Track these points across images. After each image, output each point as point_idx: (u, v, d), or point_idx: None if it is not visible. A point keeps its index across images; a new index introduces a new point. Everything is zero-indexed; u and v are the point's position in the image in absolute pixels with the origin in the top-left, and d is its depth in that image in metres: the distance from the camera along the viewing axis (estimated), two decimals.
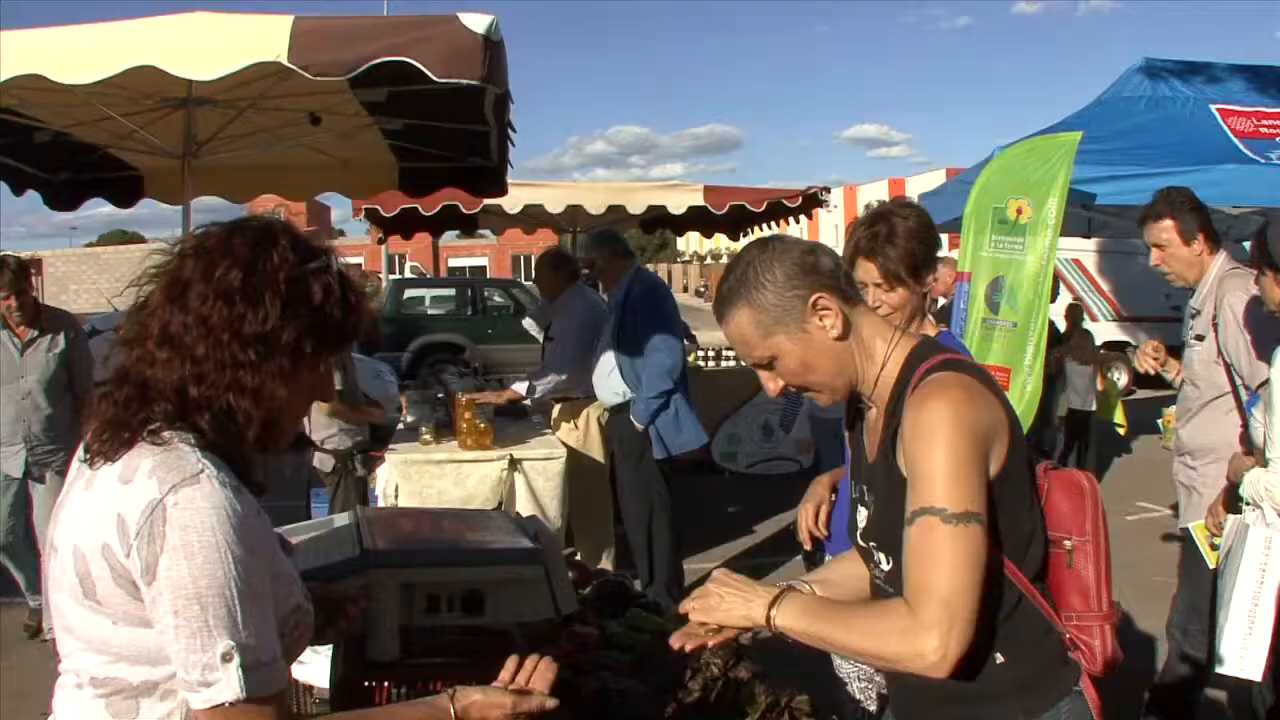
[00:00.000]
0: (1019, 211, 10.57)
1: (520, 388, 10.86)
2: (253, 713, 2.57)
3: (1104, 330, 27.15)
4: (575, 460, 10.19)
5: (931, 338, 3.70)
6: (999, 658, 3.29)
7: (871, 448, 3.54)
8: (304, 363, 2.81)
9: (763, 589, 3.42)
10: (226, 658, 2.50)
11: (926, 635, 2.98)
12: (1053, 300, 13.02)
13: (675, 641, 3.58)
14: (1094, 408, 16.55)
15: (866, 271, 4.86)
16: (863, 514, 3.57)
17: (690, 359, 17.85)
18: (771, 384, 3.45)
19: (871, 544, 3.52)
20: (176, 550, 2.49)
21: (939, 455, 3.08)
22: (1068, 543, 3.47)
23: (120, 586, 2.57)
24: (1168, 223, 7.09)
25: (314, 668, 4.28)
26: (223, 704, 2.52)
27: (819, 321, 3.31)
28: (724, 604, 3.44)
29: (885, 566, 3.45)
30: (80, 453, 2.82)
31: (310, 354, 2.81)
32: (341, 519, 4.58)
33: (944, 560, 3.02)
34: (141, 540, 2.51)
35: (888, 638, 3.06)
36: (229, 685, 2.51)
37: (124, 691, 2.68)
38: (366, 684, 3.75)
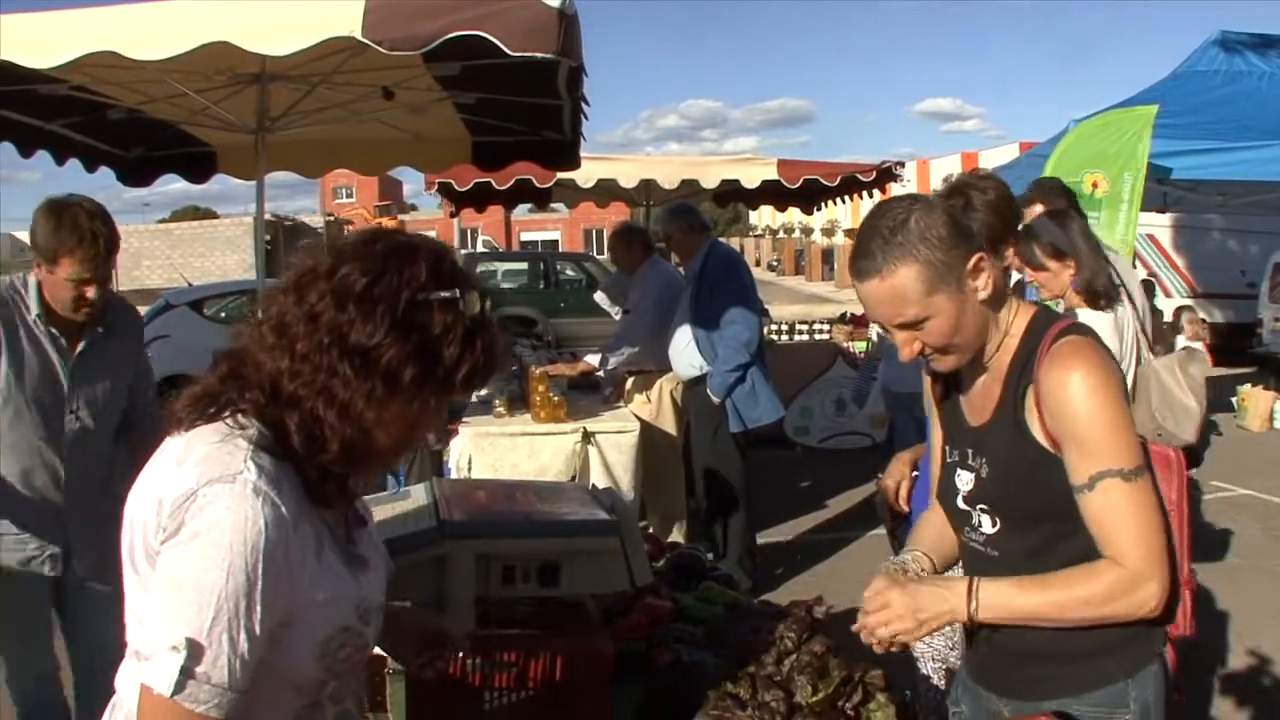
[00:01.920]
0: (1095, 185, 10.52)
1: (593, 360, 10.88)
2: (175, 717, 2.45)
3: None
4: (648, 433, 10.19)
5: (1044, 305, 3.70)
6: None
7: (981, 410, 3.60)
8: (401, 392, 2.65)
9: (941, 583, 3.51)
10: (174, 649, 2.41)
11: (1146, 585, 3.23)
12: None
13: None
14: None
15: None
16: (966, 477, 3.62)
17: (764, 333, 17.91)
18: (908, 347, 3.43)
19: (979, 506, 3.58)
20: (185, 539, 2.46)
21: (1103, 415, 3.25)
22: None
23: (150, 563, 2.55)
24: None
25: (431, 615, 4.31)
26: (150, 689, 2.44)
27: (974, 282, 3.34)
28: (913, 616, 3.40)
29: (988, 530, 3.57)
30: None
31: (409, 384, 2.64)
32: (418, 490, 4.58)
33: (1137, 516, 3.24)
34: (170, 522, 2.48)
35: (1111, 599, 3.25)
36: (160, 674, 2.42)
37: None
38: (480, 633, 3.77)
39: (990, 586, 3.35)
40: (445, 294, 2.67)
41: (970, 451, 3.61)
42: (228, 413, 2.64)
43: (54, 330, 5.67)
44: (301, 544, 2.63)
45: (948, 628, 4.94)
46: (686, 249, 10.72)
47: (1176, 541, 3.58)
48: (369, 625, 2.89)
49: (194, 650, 2.41)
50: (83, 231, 5.39)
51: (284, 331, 2.64)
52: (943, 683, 5.23)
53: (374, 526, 3.13)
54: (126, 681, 2.74)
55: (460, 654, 3.57)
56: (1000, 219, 4.76)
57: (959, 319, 3.35)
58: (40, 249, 5.48)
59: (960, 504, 3.66)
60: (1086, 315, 5.78)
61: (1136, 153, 10.10)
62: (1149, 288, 18.74)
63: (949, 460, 3.74)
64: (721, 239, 12.38)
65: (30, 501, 5.64)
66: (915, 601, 3.39)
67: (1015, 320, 3.51)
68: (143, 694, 2.47)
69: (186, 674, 2.41)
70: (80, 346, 5.76)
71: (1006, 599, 3.33)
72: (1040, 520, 3.43)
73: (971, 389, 3.64)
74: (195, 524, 2.45)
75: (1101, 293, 6.03)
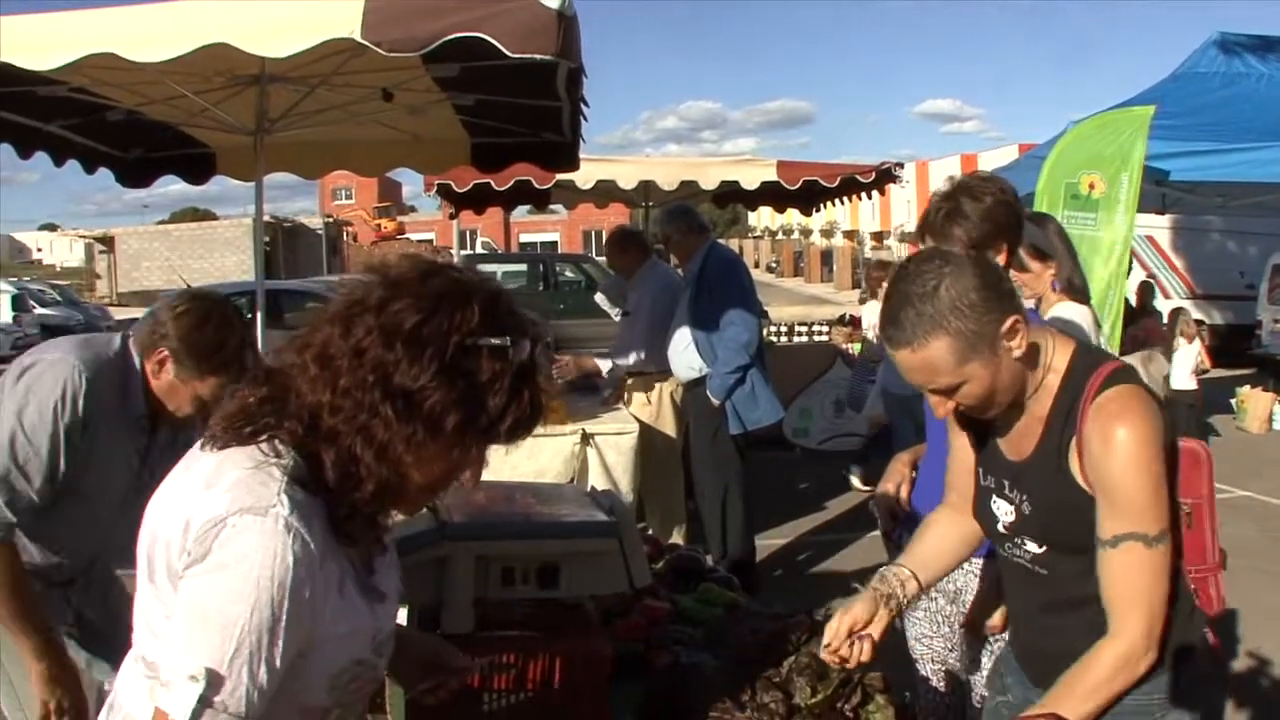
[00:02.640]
0: (1091, 186, 10.53)
1: (603, 365, 10.87)
2: None
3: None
4: (647, 435, 10.20)
5: (1080, 339, 3.71)
6: None
7: (1019, 446, 3.62)
8: (442, 439, 2.57)
9: None
10: (193, 679, 2.37)
11: (1144, 659, 3.32)
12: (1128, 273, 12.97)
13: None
14: (1163, 391, 16.36)
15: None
16: (1006, 508, 3.66)
17: (763, 335, 17.91)
18: (943, 408, 3.46)
19: (1023, 536, 3.62)
20: (211, 568, 2.43)
21: (1141, 479, 3.27)
22: (1187, 505, 3.68)
23: (170, 582, 2.52)
24: None
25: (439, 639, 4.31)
26: (165, 714, 2.40)
27: (1009, 343, 3.33)
28: None
29: (1035, 549, 3.60)
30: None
31: (451, 432, 2.56)
32: None
33: (1149, 582, 3.31)
34: (195, 548, 2.45)
35: (1113, 681, 3.31)
36: (177, 701, 2.38)
37: None
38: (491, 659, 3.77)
39: None
40: (496, 341, 2.59)
41: (1008, 484, 3.64)
42: (264, 437, 2.59)
43: (144, 426, 4.98)
44: (326, 580, 2.60)
45: (946, 628, 4.96)
46: (685, 250, 10.70)
47: (1209, 532, 3.84)
48: (381, 657, 2.89)
49: (213, 680, 2.39)
50: (244, 359, 4.74)
51: (327, 364, 2.57)
52: (942, 684, 5.24)
53: (393, 549, 3.06)
54: (127, 684, 2.73)
55: (461, 683, 3.51)
56: (994, 225, 4.70)
57: (994, 382, 3.36)
58: (190, 358, 4.72)
59: (1001, 529, 3.70)
60: (1069, 308, 5.80)
61: (1133, 153, 10.11)
62: (1149, 289, 18.77)
63: (984, 484, 3.77)
64: (720, 240, 12.39)
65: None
66: None
67: (1054, 358, 3.52)
68: (157, 718, 2.45)
69: (204, 703, 2.39)
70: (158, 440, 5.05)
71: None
72: (1087, 549, 3.44)
73: (1010, 423, 3.64)
74: (223, 554, 2.43)
75: (1080, 288, 6.08)
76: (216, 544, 2.42)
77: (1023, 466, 3.58)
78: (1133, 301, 17.26)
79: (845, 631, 3.65)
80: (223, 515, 2.44)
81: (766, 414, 10.25)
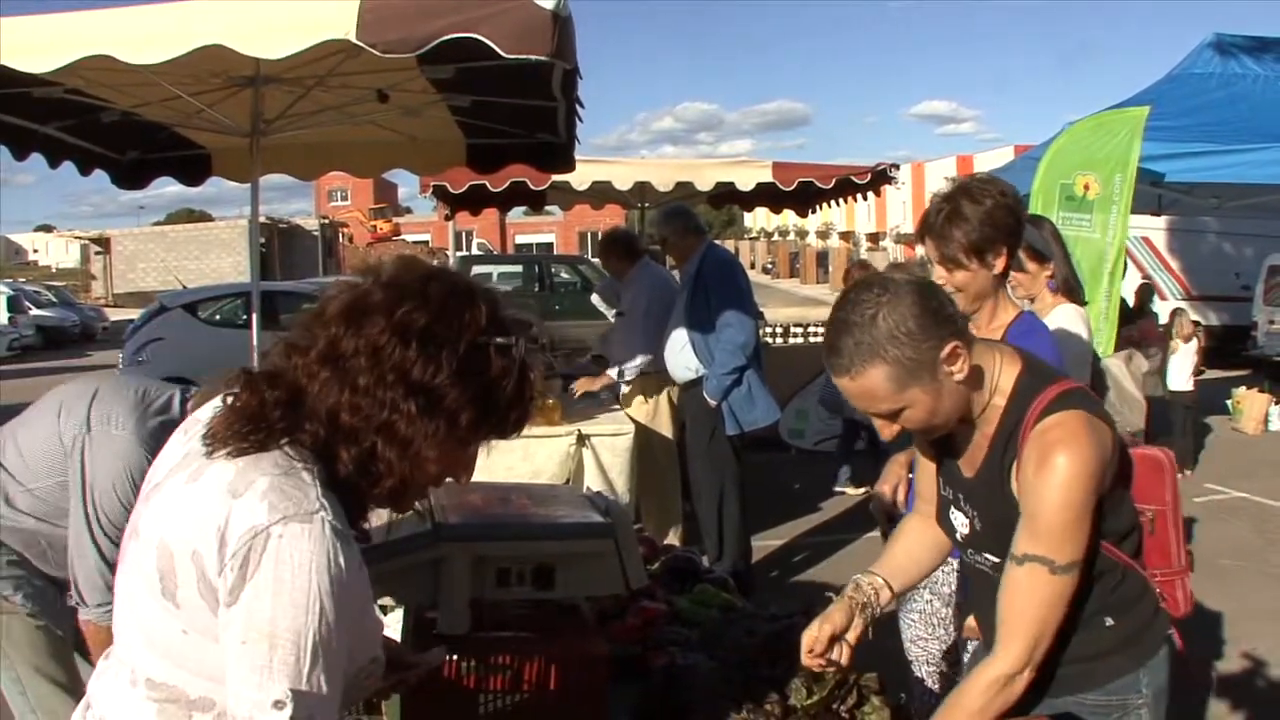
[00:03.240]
0: (1086, 187, 10.53)
1: (612, 373, 10.85)
2: None
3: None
4: (644, 435, 10.21)
5: (1032, 356, 3.70)
6: (1108, 621, 3.57)
7: (971, 461, 3.65)
8: (456, 434, 2.68)
9: None
10: (279, 705, 2.38)
11: (1019, 680, 3.37)
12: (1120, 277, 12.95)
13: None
14: (1160, 391, 16.36)
15: (930, 250, 4.78)
16: (961, 520, 3.71)
17: (759, 336, 17.92)
18: (888, 431, 3.46)
19: (978, 548, 3.70)
20: (266, 583, 2.40)
21: (1063, 509, 3.30)
22: (1149, 512, 3.80)
23: (204, 599, 2.49)
24: None
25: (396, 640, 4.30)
26: None
27: (948, 368, 3.33)
28: None
29: (994, 559, 3.62)
30: (191, 437, 2.74)
31: (464, 427, 2.68)
32: None
33: (1042, 608, 3.35)
34: (236, 561, 2.41)
35: (990, 704, 3.37)
36: None
37: (180, 702, 2.59)
38: (450, 655, 3.77)
39: None
40: (502, 340, 2.70)
41: (962, 498, 3.70)
42: (279, 441, 2.58)
43: None
44: (362, 580, 2.65)
45: (941, 630, 4.98)
46: (681, 252, 10.68)
47: (1173, 536, 3.94)
48: (384, 654, 2.93)
49: (299, 700, 2.40)
50: None
51: (339, 364, 2.60)
52: (937, 685, 5.25)
53: None
54: (114, 705, 2.71)
55: (417, 679, 3.53)
56: (993, 228, 4.68)
57: (935, 405, 3.38)
58: None
59: (959, 539, 3.76)
60: (1067, 310, 5.79)
61: (1128, 154, 10.11)
62: (1147, 291, 18.77)
63: (943, 494, 3.81)
64: (716, 241, 12.38)
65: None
66: None
67: (1001, 377, 3.54)
68: None
69: None
70: None
71: None
72: None
73: (959, 440, 3.68)
74: (274, 568, 2.41)
75: (1075, 289, 6.09)
76: (266, 557, 2.41)
77: (973, 483, 3.64)
78: (1130, 303, 17.27)
79: (826, 638, 3.69)
80: (265, 525, 2.43)
81: (763, 415, 10.24)
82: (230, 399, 2.65)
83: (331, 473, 2.60)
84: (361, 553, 2.71)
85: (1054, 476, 3.26)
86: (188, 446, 2.72)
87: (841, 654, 3.71)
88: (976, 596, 3.92)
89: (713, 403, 10.07)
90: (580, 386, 10.56)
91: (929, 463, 3.94)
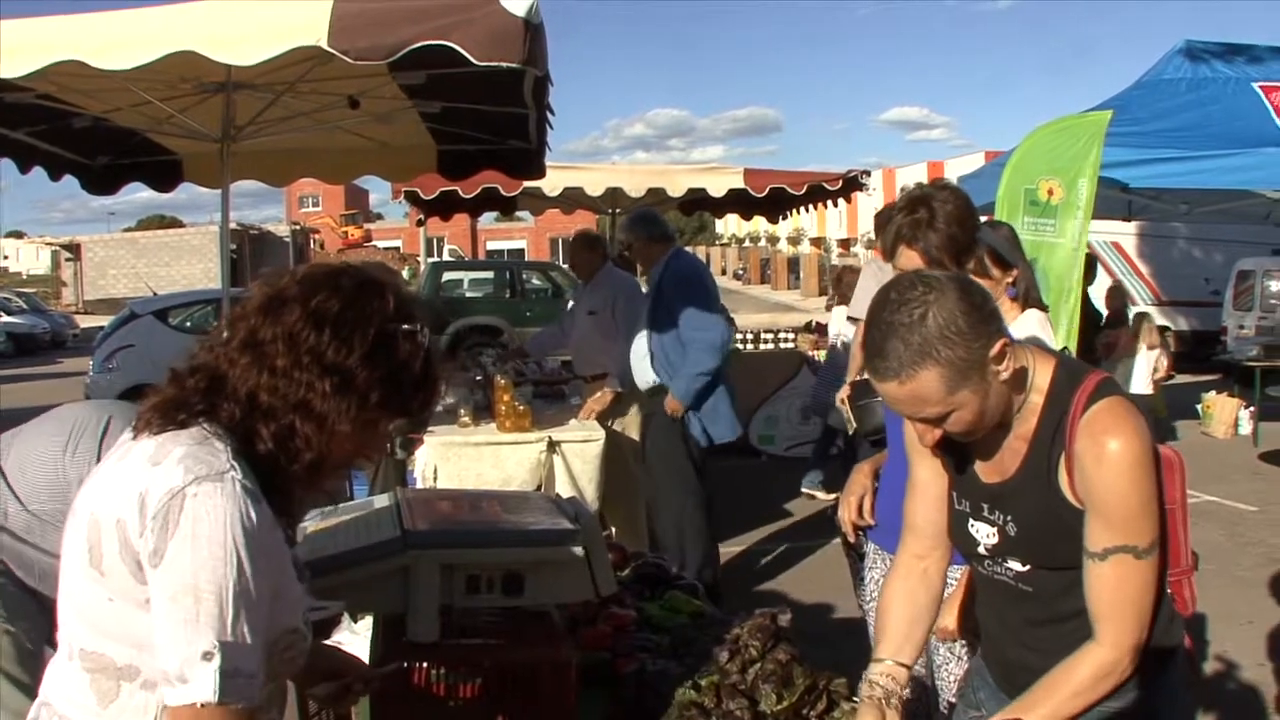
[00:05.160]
0: (1050, 192, 10.52)
1: (612, 384, 10.73)
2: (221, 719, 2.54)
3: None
4: (614, 442, 10.14)
5: (1060, 351, 3.71)
6: None
7: (1001, 467, 3.57)
8: (367, 413, 2.84)
9: None
10: (207, 656, 2.49)
11: (1128, 666, 3.32)
12: (1090, 283, 12.96)
13: None
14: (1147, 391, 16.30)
15: (909, 259, 4.70)
16: (986, 530, 3.62)
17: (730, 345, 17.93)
18: (929, 435, 3.40)
19: (1005, 556, 3.61)
20: (185, 539, 2.53)
21: (1133, 492, 3.27)
22: None
23: (125, 564, 2.60)
24: None
25: (353, 648, 4.29)
26: (193, 704, 2.50)
27: (995, 367, 3.27)
28: None
29: (1019, 568, 3.59)
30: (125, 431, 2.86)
31: (374, 407, 2.85)
32: (382, 500, 4.58)
33: (1140, 593, 3.32)
34: (156, 523, 2.54)
35: (1094, 689, 3.32)
36: (203, 685, 2.49)
37: (108, 670, 2.70)
38: (405, 664, 3.78)
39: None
40: (408, 325, 2.89)
41: (987, 506, 3.60)
42: (200, 421, 2.72)
43: None
44: (276, 541, 2.75)
45: None
46: (647, 258, 10.45)
47: (1182, 536, 3.93)
48: (309, 628, 3.01)
49: (226, 650, 2.51)
50: None
51: (258, 350, 2.77)
52: (908, 691, 5.25)
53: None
54: (55, 681, 2.83)
55: (366, 692, 3.60)
56: (963, 229, 4.71)
57: (983, 406, 3.30)
58: None
59: (982, 551, 3.67)
60: (1031, 317, 5.79)
61: (1090, 159, 10.09)
62: (1118, 294, 18.79)
63: (958, 508, 3.73)
64: (687, 248, 12.35)
65: None
66: None
67: (1036, 377, 3.47)
68: (178, 714, 2.54)
69: (226, 675, 2.51)
70: None
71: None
72: (1075, 565, 3.44)
73: (989, 446, 3.58)
74: (191, 524, 2.54)
75: (1037, 297, 6.09)
76: (184, 515, 2.54)
77: (1005, 487, 3.54)
78: (1101, 308, 17.30)
79: None
80: (180, 486, 2.57)
81: (725, 430, 10.02)
82: (159, 392, 2.83)
83: (251, 449, 2.76)
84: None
85: (1115, 464, 3.24)
86: (123, 438, 2.86)
87: None
88: (989, 606, 3.86)
89: (679, 406, 9.85)
90: (592, 408, 10.39)
91: (928, 486, 3.86)
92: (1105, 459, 3.25)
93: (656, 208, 15.07)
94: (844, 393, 6.08)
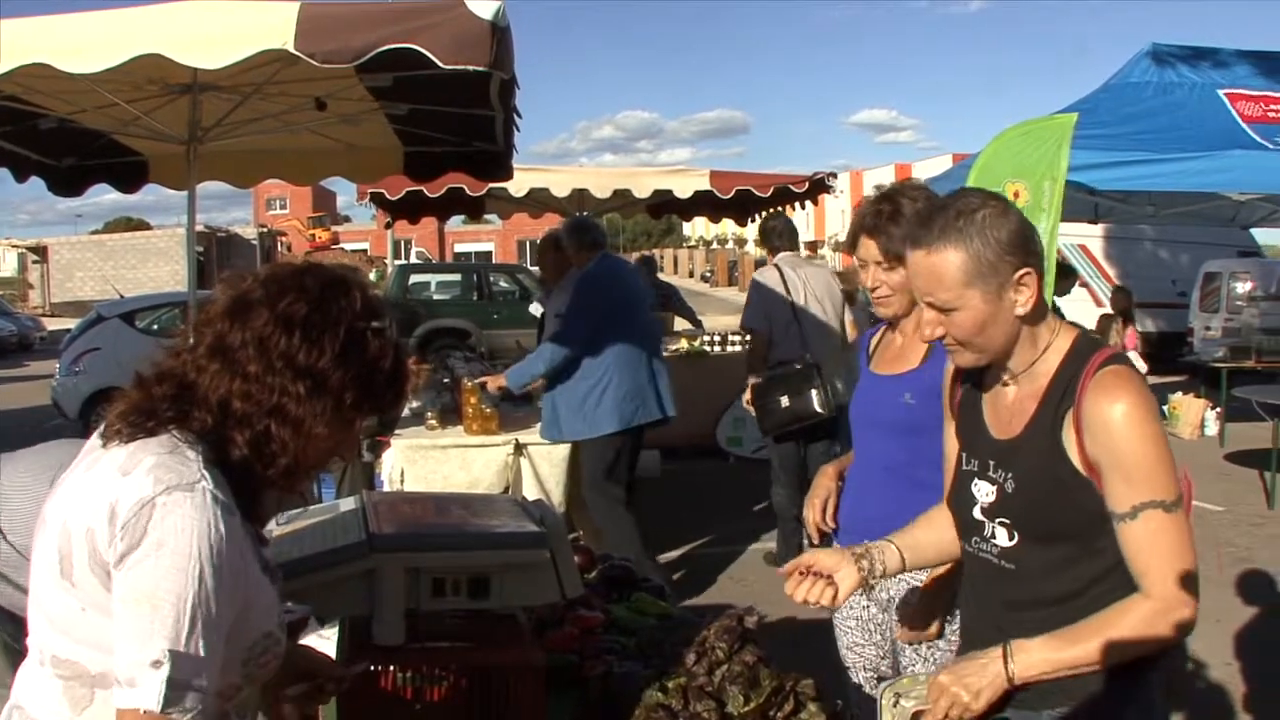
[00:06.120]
0: (1016, 195, 10.51)
1: (505, 380, 10.72)
2: None
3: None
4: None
5: (1086, 330, 3.75)
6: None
7: (1009, 424, 3.64)
8: (342, 413, 2.87)
9: (978, 657, 3.52)
10: (156, 664, 2.49)
11: (1180, 613, 3.34)
12: (1068, 290, 13.01)
13: None
14: None
15: (868, 249, 4.80)
16: (986, 489, 3.68)
17: (696, 343, 17.91)
18: (930, 328, 3.51)
19: (999, 520, 3.64)
20: (151, 548, 2.53)
21: (1149, 447, 3.36)
22: None
23: (95, 574, 2.60)
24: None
25: (322, 650, 4.29)
26: (137, 709, 2.50)
27: (1014, 294, 3.41)
28: (971, 694, 3.42)
29: (1003, 543, 3.63)
30: (96, 434, 2.85)
31: (349, 406, 2.87)
32: (347, 503, 4.57)
33: (1177, 546, 3.34)
34: (125, 532, 2.55)
35: (1154, 629, 3.35)
36: (147, 692, 2.49)
37: (82, 678, 2.70)
38: (372, 668, 3.77)
39: (1025, 648, 3.41)
40: (377, 323, 2.92)
41: (993, 463, 3.67)
42: (170, 429, 2.71)
43: None
44: (244, 551, 2.74)
45: (878, 636, 4.99)
46: (578, 264, 10.49)
47: None
48: (283, 631, 3.01)
49: (176, 660, 2.50)
50: None
51: (228, 356, 2.76)
52: (874, 691, 5.26)
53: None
54: (26, 686, 2.81)
55: (336, 690, 3.59)
56: None
57: (986, 320, 3.43)
58: None
59: (977, 514, 3.71)
60: None
61: (1056, 162, 10.10)
62: (1123, 295, 18.88)
63: (965, 468, 3.80)
64: (655, 250, 12.34)
65: None
66: (965, 682, 3.42)
67: (1056, 340, 3.57)
68: (122, 716, 2.53)
69: (173, 685, 2.50)
70: None
71: (1047, 654, 3.39)
72: (1063, 539, 3.50)
73: (1000, 402, 3.70)
74: (159, 533, 2.53)
75: None
76: (151, 524, 2.54)
77: (1011, 444, 3.61)
78: (1109, 309, 17.36)
79: (804, 562, 3.79)
80: (150, 496, 2.56)
81: (586, 428, 9.82)
82: (125, 399, 2.81)
83: (224, 456, 2.75)
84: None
85: (1129, 421, 3.32)
86: (91, 444, 2.85)
87: (823, 594, 3.76)
88: (973, 588, 3.88)
89: (513, 389, 10.06)
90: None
91: (950, 458, 3.95)
92: (1119, 416, 3.33)
93: (624, 209, 15.08)
94: (747, 396, 6.12)
